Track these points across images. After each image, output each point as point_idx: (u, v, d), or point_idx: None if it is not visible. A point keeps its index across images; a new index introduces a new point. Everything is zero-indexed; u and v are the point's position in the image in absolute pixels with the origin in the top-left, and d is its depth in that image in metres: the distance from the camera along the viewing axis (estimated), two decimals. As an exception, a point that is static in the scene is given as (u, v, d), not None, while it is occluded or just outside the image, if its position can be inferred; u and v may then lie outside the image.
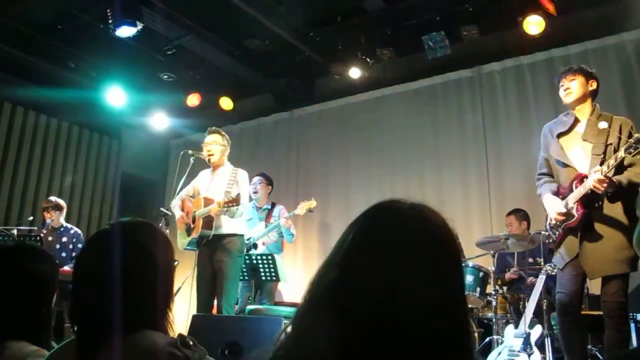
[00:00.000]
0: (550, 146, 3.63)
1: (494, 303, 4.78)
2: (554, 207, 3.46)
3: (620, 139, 3.31)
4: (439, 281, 0.90)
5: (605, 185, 3.15)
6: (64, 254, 5.99)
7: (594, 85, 3.54)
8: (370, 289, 0.88)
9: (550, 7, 5.56)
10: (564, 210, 3.40)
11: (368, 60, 6.74)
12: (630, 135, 3.28)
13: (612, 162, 3.14)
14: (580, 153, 3.46)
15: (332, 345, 0.86)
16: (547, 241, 3.71)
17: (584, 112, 3.54)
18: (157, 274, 1.45)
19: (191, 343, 1.35)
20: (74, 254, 6.03)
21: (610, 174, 3.19)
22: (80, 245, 6.08)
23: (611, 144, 3.32)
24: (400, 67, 7.12)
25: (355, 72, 6.80)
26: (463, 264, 5.03)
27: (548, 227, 3.64)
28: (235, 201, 4.43)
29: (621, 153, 3.09)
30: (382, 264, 0.90)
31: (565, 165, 3.50)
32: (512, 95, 6.52)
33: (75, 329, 1.43)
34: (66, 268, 5.70)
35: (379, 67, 6.94)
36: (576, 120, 3.55)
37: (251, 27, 6.47)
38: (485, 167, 6.49)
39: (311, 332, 0.91)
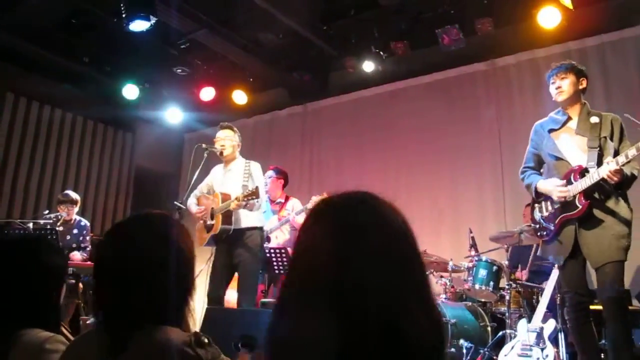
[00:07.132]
0: (542, 142, 3.66)
1: (507, 297, 4.77)
2: (555, 187, 3.44)
3: (613, 131, 3.41)
4: (365, 273, 0.88)
5: (619, 175, 3.19)
6: (74, 245, 6.08)
7: (584, 83, 3.60)
8: (321, 286, 0.89)
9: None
10: (566, 188, 3.37)
11: (382, 53, 6.72)
12: (622, 130, 3.43)
13: (631, 152, 3.15)
14: (574, 147, 3.51)
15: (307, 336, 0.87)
16: (538, 234, 3.63)
17: (575, 109, 3.60)
18: (180, 264, 1.45)
19: (206, 341, 1.34)
20: (82, 245, 6.14)
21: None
22: (88, 238, 6.23)
23: (605, 136, 3.41)
24: (414, 61, 7.07)
25: (368, 66, 6.78)
26: (476, 258, 5.04)
27: (541, 219, 3.59)
28: (255, 194, 4.38)
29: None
30: (328, 263, 0.90)
31: (558, 159, 3.54)
32: (527, 88, 6.46)
33: (98, 320, 1.43)
34: (78, 258, 5.87)
35: (392, 60, 6.91)
36: (568, 118, 3.61)
37: (265, 21, 6.47)
38: (500, 161, 6.45)
39: (295, 320, 0.92)
